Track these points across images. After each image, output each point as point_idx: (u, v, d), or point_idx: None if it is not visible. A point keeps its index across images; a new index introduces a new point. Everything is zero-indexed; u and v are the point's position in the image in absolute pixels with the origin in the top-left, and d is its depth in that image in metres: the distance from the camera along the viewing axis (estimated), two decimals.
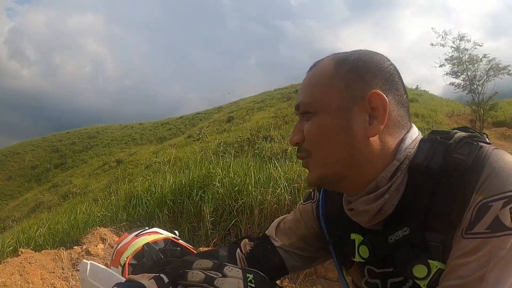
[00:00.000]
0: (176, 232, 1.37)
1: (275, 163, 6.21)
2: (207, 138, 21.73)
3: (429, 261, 0.85)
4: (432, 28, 19.85)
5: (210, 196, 5.23)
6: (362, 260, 0.99)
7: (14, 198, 38.79)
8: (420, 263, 0.86)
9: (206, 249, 4.41)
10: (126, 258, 1.20)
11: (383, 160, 0.90)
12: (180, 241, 1.30)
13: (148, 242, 1.23)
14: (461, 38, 18.28)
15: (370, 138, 0.89)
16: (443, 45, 18.83)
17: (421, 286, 0.87)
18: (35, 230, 6.71)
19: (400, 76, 0.96)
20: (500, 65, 17.77)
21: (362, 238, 0.99)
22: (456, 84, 18.05)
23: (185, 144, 23.00)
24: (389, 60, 0.96)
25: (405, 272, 0.89)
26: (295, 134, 0.98)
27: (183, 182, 5.90)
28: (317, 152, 0.93)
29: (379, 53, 0.97)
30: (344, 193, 1.01)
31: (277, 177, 5.23)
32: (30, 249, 4.80)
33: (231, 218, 4.88)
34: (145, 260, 1.19)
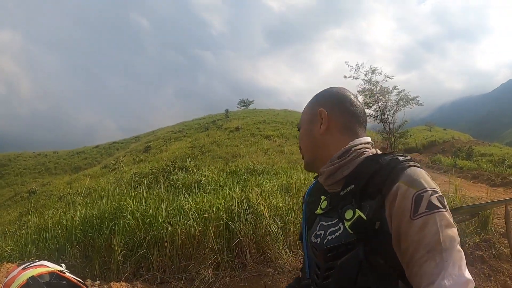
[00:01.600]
0: (63, 265, 1.40)
1: (185, 195, 6.32)
2: (123, 168, 21.32)
3: (356, 209, 1.24)
4: (345, 62, 20.95)
5: (121, 228, 5.22)
6: (321, 211, 1.43)
7: None
8: (351, 208, 1.25)
9: (117, 283, 4.44)
10: None
11: (336, 148, 1.39)
12: (67, 275, 1.33)
13: (33, 276, 1.25)
14: (373, 71, 19.45)
15: (321, 134, 1.42)
16: (356, 78, 19.96)
17: (346, 226, 1.25)
18: None
19: (351, 102, 1.46)
20: (409, 96, 19.10)
21: (325, 197, 1.44)
22: (368, 114, 19.15)
23: (100, 175, 22.37)
24: (342, 89, 1.51)
25: (340, 214, 1.29)
26: (299, 141, 1.55)
27: (94, 215, 5.83)
28: (302, 147, 1.51)
29: (342, 88, 1.52)
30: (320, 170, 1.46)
31: (188, 209, 5.34)
32: None
33: (142, 251, 4.90)
34: None
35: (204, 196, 6.45)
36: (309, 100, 1.59)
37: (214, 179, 9.80)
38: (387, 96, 19.79)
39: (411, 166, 1.26)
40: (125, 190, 7.68)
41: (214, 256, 4.70)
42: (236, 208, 5.16)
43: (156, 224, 5.11)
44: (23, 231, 7.05)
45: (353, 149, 1.37)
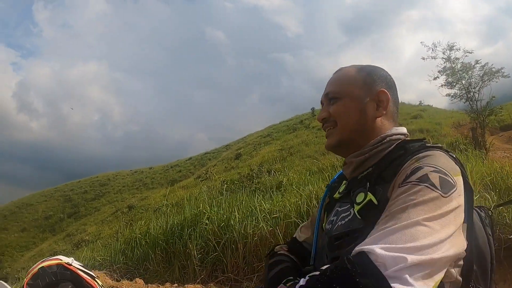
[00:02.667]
0: (72, 258, 1.56)
1: (257, 196, 6.37)
2: (215, 176, 21.88)
3: (368, 193, 1.19)
4: (421, 42, 19.87)
5: (197, 233, 5.40)
6: (338, 196, 1.39)
7: (29, 249, 39.02)
8: (363, 191, 1.21)
9: (192, 286, 4.59)
10: (26, 278, 1.42)
11: (377, 135, 1.32)
12: (72, 266, 1.48)
13: (43, 266, 1.44)
14: (451, 48, 18.30)
15: (376, 119, 1.33)
16: (434, 58, 18.87)
17: (355, 211, 1.21)
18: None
19: (396, 87, 1.42)
20: (493, 69, 17.70)
21: (347, 182, 1.39)
22: (452, 94, 17.95)
23: (194, 185, 23.20)
24: (389, 74, 1.42)
25: (352, 197, 1.24)
26: (323, 112, 1.41)
27: (175, 223, 6.08)
28: (341, 122, 1.35)
29: (383, 68, 1.43)
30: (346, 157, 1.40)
31: (259, 211, 5.38)
32: None
33: (216, 253, 5.02)
34: (39, 281, 1.40)
35: (282, 196, 6.47)
36: (349, 67, 1.45)
37: (295, 179, 9.78)
38: (470, 72, 18.34)
39: (435, 149, 1.19)
40: (205, 197, 7.92)
41: None
42: (305, 206, 5.11)
43: (229, 227, 5.21)
44: (116, 242, 7.51)
45: (388, 138, 1.31)
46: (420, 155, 1.16)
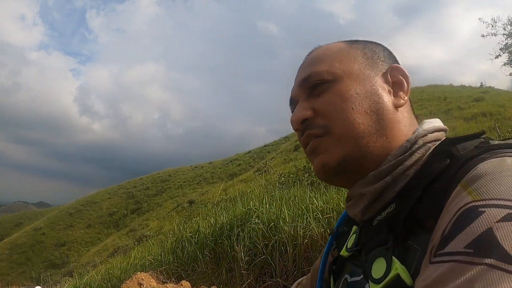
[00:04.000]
0: None
1: (309, 192, 5.98)
2: (273, 169, 21.74)
3: (393, 258, 0.64)
4: (479, 19, 18.39)
5: (246, 234, 5.12)
6: (346, 253, 0.84)
7: (95, 244, 41.02)
8: (382, 255, 0.66)
9: None
10: None
11: (399, 137, 0.80)
12: None
13: None
14: None
15: (399, 109, 0.82)
16: (494, 34, 17.36)
17: None
18: (90, 275, 6.97)
19: None
20: None
21: (357, 228, 0.84)
22: None
23: (253, 178, 23.19)
24: None
25: (365, 265, 0.70)
26: (301, 110, 0.84)
27: (225, 221, 5.85)
28: (339, 124, 0.79)
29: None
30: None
31: (311, 210, 5.01)
32: None
33: (264, 256, 4.71)
34: None
35: (337, 192, 6.07)
36: (325, 44, 0.93)
37: None
38: None
39: (503, 156, 0.63)
40: (257, 193, 7.66)
41: None
42: None
43: (278, 228, 4.89)
44: (168, 240, 7.42)
45: (420, 141, 0.77)
46: (475, 172, 0.61)
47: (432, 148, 0.76)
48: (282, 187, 8.90)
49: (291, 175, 12.41)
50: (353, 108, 0.79)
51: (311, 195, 5.72)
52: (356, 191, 0.79)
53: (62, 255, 46.74)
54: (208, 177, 44.00)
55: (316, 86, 0.84)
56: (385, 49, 0.91)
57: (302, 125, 0.84)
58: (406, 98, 0.84)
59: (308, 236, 4.51)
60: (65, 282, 7.79)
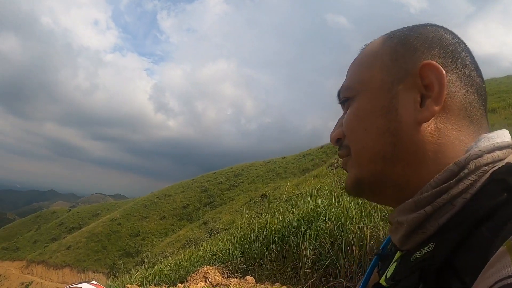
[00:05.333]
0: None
1: None
2: None
3: None
4: None
5: (313, 232, 5.07)
6: (385, 284, 0.72)
7: (168, 235, 42.34)
8: None
9: None
10: None
11: (442, 159, 0.65)
12: None
13: None
14: None
15: (422, 124, 0.66)
16: None
17: None
18: (160, 266, 7.21)
19: (470, 54, 0.72)
20: None
21: (400, 254, 0.72)
22: None
23: (326, 174, 22.91)
24: (454, 34, 0.73)
25: None
26: (335, 129, 0.79)
27: (292, 218, 5.82)
28: (354, 146, 0.73)
29: (442, 26, 0.74)
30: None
31: (380, 209, 4.85)
32: (139, 285, 5.13)
33: (330, 256, 4.63)
34: None
35: None
36: (378, 38, 0.79)
37: None
38: None
39: None
40: (327, 189, 7.56)
41: None
42: None
43: (345, 227, 4.79)
44: (235, 235, 7.50)
45: (471, 164, 0.61)
46: None
47: (489, 173, 0.61)
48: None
49: None
50: (365, 129, 0.71)
51: None
52: (395, 218, 0.68)
53: (136, 245, 48.77)
54: (281, 172, 43.87)
55: (343, 102, 0.78)
56: (432, 37, 0.71)
57: (337, 144, 0.79)
58: (436, 108, 0.65)
59: (374, 237, 4.39)
60: (136, 270, 8.14)
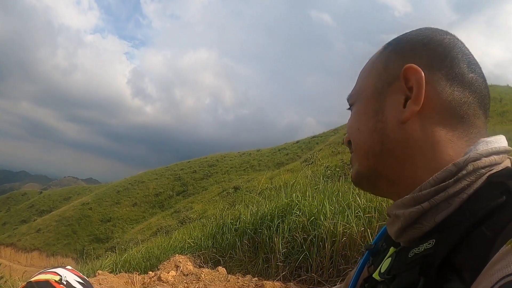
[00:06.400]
0: (63, 275, 1.41)
1: (353, 188, 5.88)
2: (320, 161, 21.63)
3: None
4: None
5: (286, 226, 5.10)
6: (379, 278, 0.76)
7: (139, 222, 42.31)
8: None
9: (271, 282, 4.31)
10: None
11: (433, 158, 0.69)
12: (60, 286, 1.32)
13: (31, 281, 1.28)
14: None
15: (406, 124, 0.71)
16: None
17: None
18: (131, 253, 7.19)
19: (462, 51, 0.74)
20: None
21: (395, 250, 0.77)
22: None
23: (300, 169, 23.15)
24: (446, 33, 0.76)
25: None
26: (346, 132, 0.88)
27: (265, 211, 5.85)
28: (353, 143, 0.82)
29: (435, 28, 0.78)
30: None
31: (354, 206, 4.92)
32: (110, 271, 5.10)
33: (302, 250, 4.68)
34: None
35: None
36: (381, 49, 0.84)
37: None
38: None
39: None
40: (302, 184, 7.62)
41: None
42: None
43: (318, 223, 4.83)
44: (208, 225, 7.51)
45: (469, 166, 0.65)
46: None
47: (485, 176, 0.64)
48: (327, 180, 8.81)
49: (337, 169, 12.30)
50: (358, 129, 0.80)
51: (355, 192, 5.63)
52: (392, 211, 0.73)
53: (106, 231, 48.66)
54: (255, 164, 44.16)
55: (350, 109, 0.87)
56: (421, 40, 0.75)
57: (348, 145, 0.86)
58: (415, 108, 0.70)
59: (347, 233, 4.44)
60: (107, 256, 8.09)
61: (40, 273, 1.35)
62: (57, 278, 1.32)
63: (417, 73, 0.70)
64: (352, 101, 0.84)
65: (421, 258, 0.62)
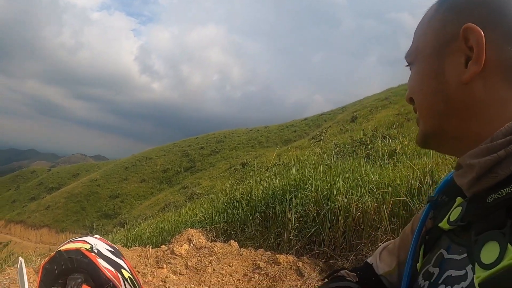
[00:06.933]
0: (97, 243, 1.39)
1: (365, 165, 5.85)
2: (328, 138, 21.60)
3: (509, 245, 0.57)
4: None
5: (299, 200, 5.11)
6: (448, 226, 0.76)
7: (147, 198, 42.68)
8: (496, 239, 0.59)
9: (284, 256, 4.33)
10: (43, 261, 1.28)
11: (497, 114, 0.69)
12: (92, 254, 1.30)
13: (60, 250, 1.27)
14: None
15: (469, 84, 0.70)
16: None
17: (475, 280, 0.59)
18: (142, 227, 7.23)
19: None
20: None
21: (463, 200, 0.76)
22: None
23: (308, 146, 23.14)
24: None
25: (473, 245, 0.63)
26: (407, 89, 0.87)
27: (277, 186, 5.85)
28: (417, 104, 0.82)
29: None
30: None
31: (367, 182, 4.91)
32: (122, 245, 5.14)
33: (315, 225, 4.69)
34: (55, 266, 1.24)
35: (393, 166, 5.91)
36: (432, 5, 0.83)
37: (410, 147, 9.01)
38: None
39: None
40: (312, 161, 7.60)
41: (386, 237, 4.17)
42: (417, 183, 4.54)
43: (332, 198, 4.83)
44: (219, 200, 7.52)
45: None
46: None
47: None
48: (337, 157, 8.78)
49: (347, 146, 12.25)
50: (421, 89, 0.79)
51: (367, 168, 5.61)
52: (466, 161, 0.71)
53: (115, 207, 49.18)
54: (263, 141, 44.23)
55: (409, 67, 0.86)
56: (490, 4, 0.72)
57: (411, 102, 0.86)
58: (476, 69, 0.69)
59: (360, 209, 4.44)
60: (117, 232, 8.15)
61: (68, 242, 1.34)
62: (87, 246, 1.31)
63: (477, 33, 0.68)
64: (411, 60, 0.83)
65: (505, 201, 0.61)
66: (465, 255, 0.67)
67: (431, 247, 0.81)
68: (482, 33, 0.68)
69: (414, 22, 0.86)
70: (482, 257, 0.60)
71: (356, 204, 4.49)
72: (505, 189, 0.62)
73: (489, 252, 0.59)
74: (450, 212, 0.77)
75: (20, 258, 1.31)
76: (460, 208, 0.74)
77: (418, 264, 0.84)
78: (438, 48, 0.76)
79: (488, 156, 0.66)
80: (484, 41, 0.68)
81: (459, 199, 0.77)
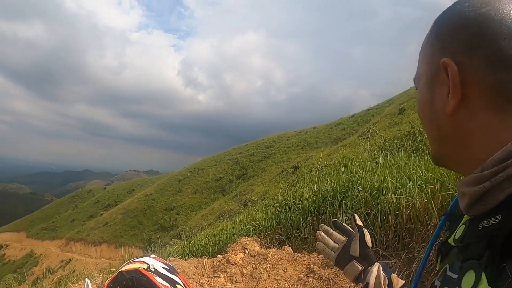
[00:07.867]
0: (151, 263, 1.52)
1: (414, 160, 5.78)
2: (377, 134, 21.23)
3: (483, 274, 0.62)
4: None
5: (349, 201, 5.15)
6: (453, 244, 0.79)
7: (202, 208, 43.16)
8: (473, 268, 0.65)
9: None
10: (107, 281, 1.38)
11: (485, 141, 0.71)
12: (149, 273, 1.42)
13: (121, 271, 1.38)
14: None
15: (453, 115, 0.74)
16: None
17: None
18: (198, 238, 7.42)
19: (503, 25, 0.70)
20: None
21: (468, 218, 0.78)
22: None
23: (357, 143, 22.85)
24: (488, 5, 0.72)
25: (459, 272, 0.70)
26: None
27: (327, 188, 5.90)
28: (423, 124, 0.85)
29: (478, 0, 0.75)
30: None
31: (416, 178, 4.87)
32: (180, 257, 5.33)
33: (366, 225, 4.70)
34: (117, 285, 1.35)
35: None
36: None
37: None
38: None
39: None
40: (361, 159, 7.58)
41: None
42: None
43: (381, 196, 4.84)
44: (272, 206, 7.61)
45: None
46: None
47: None
48: (386, 153, 8.68)
49: (395, 140, 12.06)
50: (421, 117, 0.84)
51: (415, 163, 5.56)
52: (459, 188, 0.75)
53: (171, 219, 50.05)
54: (312, 142, 43.93)
55: (416, 87, 0.88)
56: (457, 22, 0.75)
57: None
58: (454, 102, 0.72)
59: (410, 206, 4.43)
60: (174, 243, 8.38)
61: (128, 263, 1.49)
62: (145, 266, 1.46)
63: (451, 67, 0.71)
64: (416, 85, 0.86)
65: (489, 231, 0.65)
66: (457, 276, 0.71)
67: (443, 259, 0.85)
68: (455, 67, 0.71)
69: (450, 3, 0.81)
70: (463, 284, 0.67)
71: (405, 202, 4.48)
72: (491, 219, 0.66)
73: (468, 280, 0.65)
74: (457, 228, 0.80)
75: (86, 279, 1.47)
76: (463, 226, 0.77)
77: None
78: (430, 77, 0.79)
79: (475, 187, 0.69)
80: (457, 76, 0.71)
81: (466, 216, 0.79)
